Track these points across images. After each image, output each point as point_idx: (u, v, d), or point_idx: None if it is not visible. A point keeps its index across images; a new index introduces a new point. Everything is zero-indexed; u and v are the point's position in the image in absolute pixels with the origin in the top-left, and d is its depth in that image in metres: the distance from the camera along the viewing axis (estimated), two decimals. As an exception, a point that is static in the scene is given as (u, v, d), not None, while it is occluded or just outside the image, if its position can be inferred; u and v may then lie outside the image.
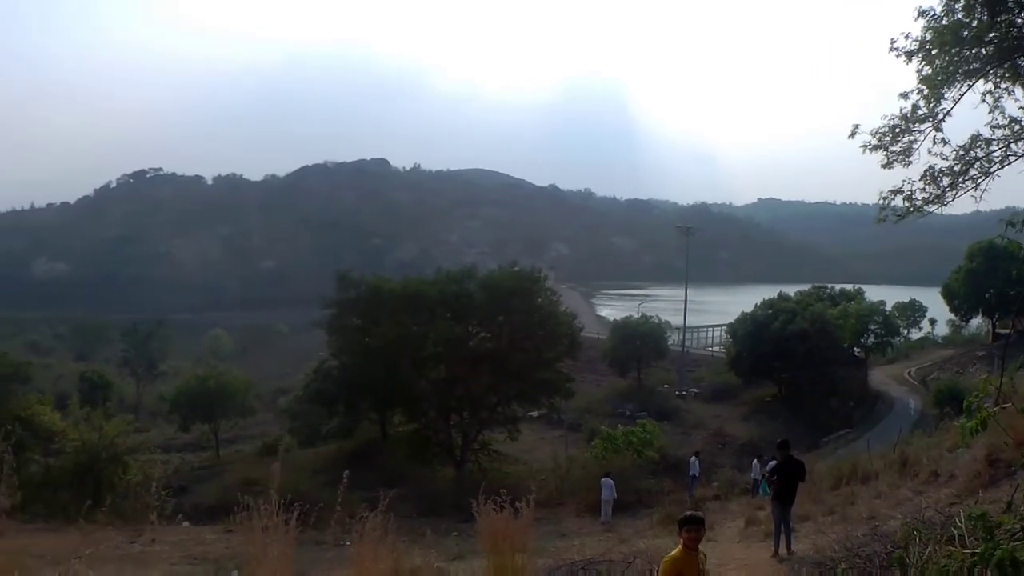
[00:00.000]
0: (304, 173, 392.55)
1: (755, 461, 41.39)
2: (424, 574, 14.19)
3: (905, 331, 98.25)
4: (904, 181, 19.90)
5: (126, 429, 50.53)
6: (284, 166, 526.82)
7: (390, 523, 11.46)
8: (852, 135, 20.20)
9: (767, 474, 23.21)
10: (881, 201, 20.38)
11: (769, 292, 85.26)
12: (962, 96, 18.97)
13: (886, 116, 19.79)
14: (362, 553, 10.79)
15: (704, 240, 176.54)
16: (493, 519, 12.63)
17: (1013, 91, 18.78)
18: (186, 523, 29.13)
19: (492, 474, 47.50)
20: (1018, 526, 8.38)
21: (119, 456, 47.04)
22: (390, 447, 56.71)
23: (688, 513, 9.87)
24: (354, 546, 10.71)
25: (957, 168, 19.32)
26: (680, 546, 9.28)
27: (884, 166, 20.27)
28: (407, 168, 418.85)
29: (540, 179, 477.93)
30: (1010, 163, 19.07)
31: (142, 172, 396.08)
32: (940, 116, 19.24)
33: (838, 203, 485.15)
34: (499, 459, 53.66)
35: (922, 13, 18.57)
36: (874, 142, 19.94)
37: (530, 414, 61.70)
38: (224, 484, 48.26)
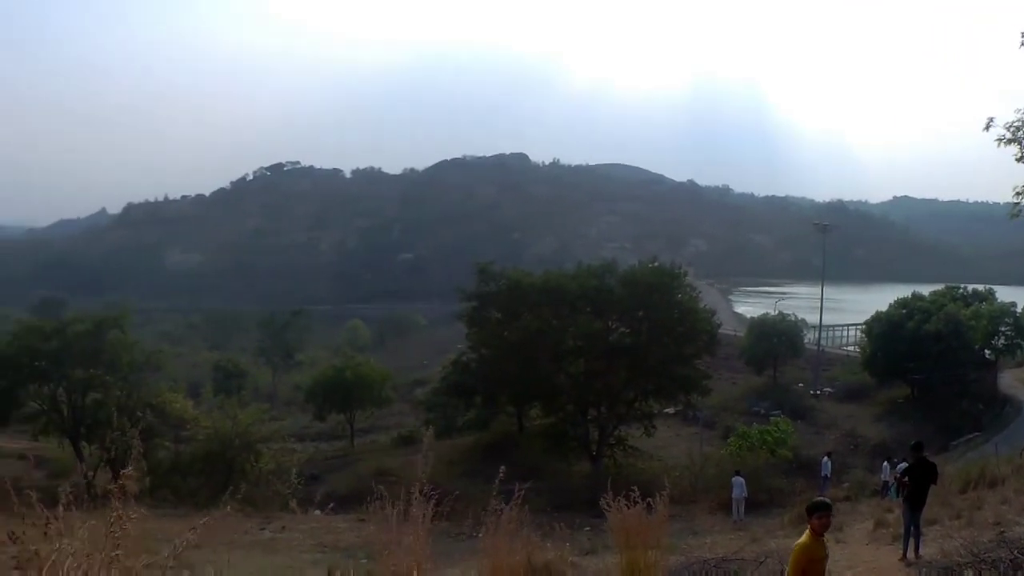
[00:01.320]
0: (443, 167, 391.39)
1: (885, 463, 40.74)
2: (556, 568, 14.26)
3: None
4: (1040, 176, 19.39)
5: (260, 417, 51.31)
6: (423, 160, 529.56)
7: (525, 516, 11.43)
8: (987, 128, 19.80)
9: (898, 476, 22.88)
10: (1015, 197, 19.94)
11: (903, 291, 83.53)
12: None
13: (1020, 109, 19.34)
14: (496, 545, 10.77)
15: (840, 238, 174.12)
16: (626, 515, 12.55)
17: None
18: (318, 512, 29.48)
19: (627, 470, 47.28)
20: None
21: (252, 444, 47.77)
22: (526, 440, 56.97)
23: (818, 499, 9.99)
24: (488, 538, 10.76)
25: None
26: (808, 532, 9.45)
27: (1019, 160, 19.80)
28: (546, 163, 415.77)
29: (678, 174, 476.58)
30: None
31: (279, 165, 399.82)
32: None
33: (970, 201, 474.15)
34: (634, 455, 53.09)
35: None
36: (1008, 136, 19.49)
37: (666, 410, 61.36)
38: (358, 474, 48.82)
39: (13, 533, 5.00)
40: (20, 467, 48.03)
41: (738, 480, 38.47)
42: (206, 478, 45.58)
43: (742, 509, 37.94)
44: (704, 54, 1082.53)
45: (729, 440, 53.35)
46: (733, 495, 38.23)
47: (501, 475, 10.91)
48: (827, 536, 9.73)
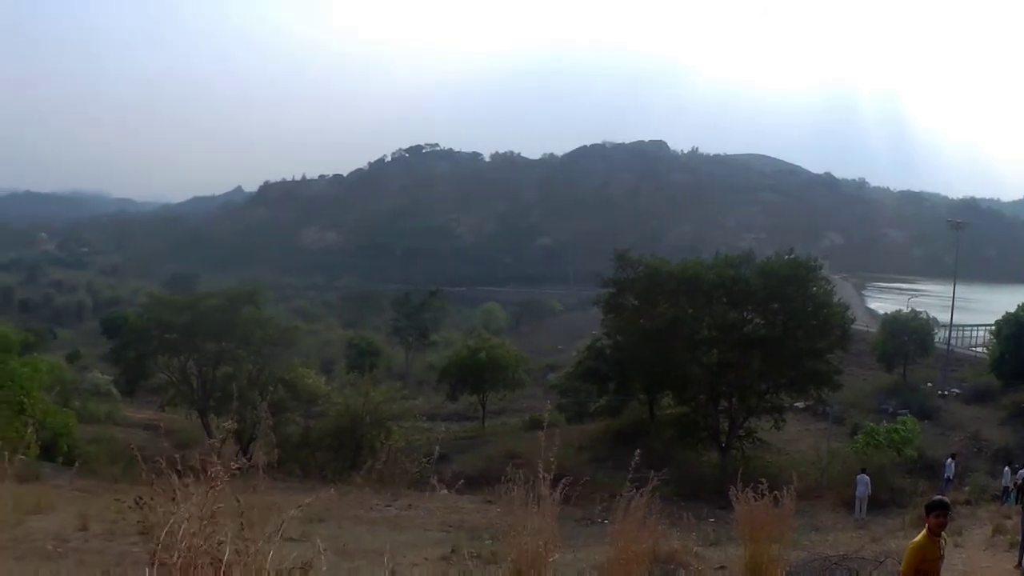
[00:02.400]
0: (582, 153, 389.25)
1: (1006, 468, 40.31)
2: (681, 557, 14.31)
3: None
4: None
5: (392, 396, 51.76)
6: (562, 145, 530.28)
7: (654, 505, 11.38)
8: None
9: (1018, 482, 22.48)
10: None
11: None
12: None
13: None
14: (623, 532, 10.86)
15: (972, 236, 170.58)
16: (752, 507, 12.64)
17: None
18: (444, 491, 29.71)
19: (754, 462, 46.74)
20: None
21: (383, 421, 48.30)
22: (657, 429, 56.58)
23: (936, 498, 9.94)
24: (618, 524, 10.81)
25: None
26: (925, 530, 9.43)
27: None
28: (685, 151, 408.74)
29: (815, 166, 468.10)
30: None
31: (418, 147, 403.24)
32: None
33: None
34: (762, 448, 52.77)
35: None
36: None
37: (796, 404, 60.69)
38: (487, 455, 49.16)
39: (140, 498, 5.18)
40: (145, 437, 49.23)
41: (863, 478, 38.28)
42: (334, 453, 46.26)
43: (864, 507, 37.72)
44: (842, 48, 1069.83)
45: (856, 437, 52.67)
46: (857, 493, 38.05)
47: (636, 460, 10.96)
48: (946, 539, 9.67)
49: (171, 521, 5.20)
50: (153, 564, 5.21)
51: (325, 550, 7.05)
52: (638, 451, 11.33)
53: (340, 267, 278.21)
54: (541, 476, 9.62)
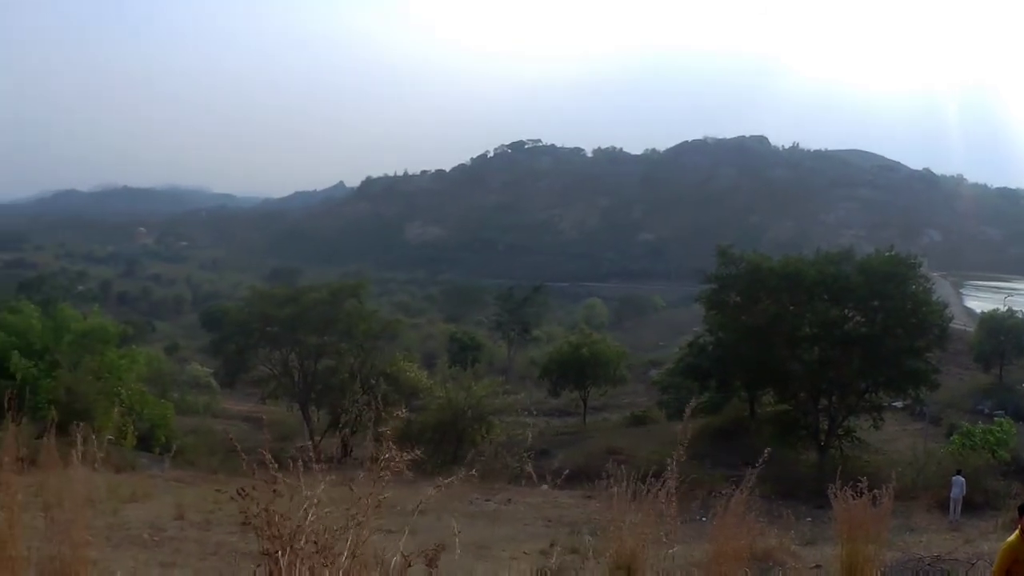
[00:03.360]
0: (684, 148, 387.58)
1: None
2: (777, 555, 14.28)
3: None
4: None
5: (494, 390, 51.83)
6: (663, 141, 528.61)
7: (754, 502, 11.38)
8: None
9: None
10: None
11: None
12: None
13: None
14: (722, 529, 10.82)
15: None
16: (850, 506, 12.43)
17: None
18: (545, 486, 29.71)
19: (852, 461, 46.28)
20: None
21: (484, 416, 48.47)
22: (756, 426, 56.52)
23: None
24: (718, 520, 10.80)
25: None
26: (1017, 532, 9.34)
27: None
28: (786, 146, 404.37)
29: (914, 162, 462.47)
30: None
31: (520, 143, 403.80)
32: None
33: None
34: (860, 447, 52.13)
35: None
36: None
37: (894, 404, 59.64)
38: (587, 451, 49.09)
39: (242, 490, 5.25)
40: (245, 429, 49.82)
41: (958, 479, 37.72)
42: (435, 447, 46.43)
43: (959, 509, 37.13)
44: (942, 47, 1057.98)
45: (952, 438, 51.84)
46: (952, 494, 37.45)
47: (745, 462, 10.94)
48: None
49: (276, 512, 5.27)
50: (266, 555, 5.28)
51: (459, 532, 7.12)
52: (716, 450, 11.36)
53: (443, 262, 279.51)
54: (636, 473, 9.66)
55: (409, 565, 5.71)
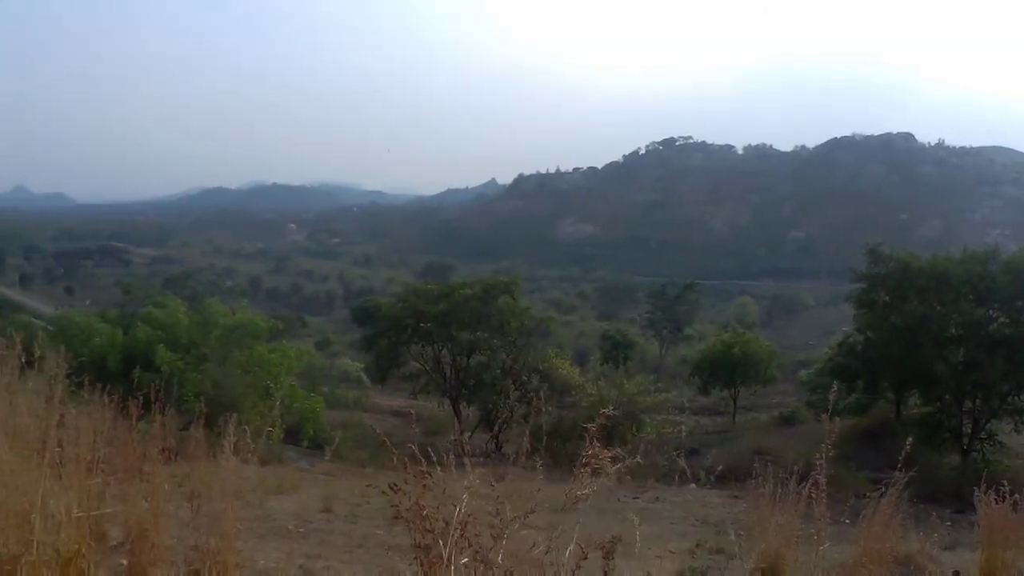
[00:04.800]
0: (832, 145, 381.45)
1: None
2: (918, 560, 14.08)
3: None
4: None
5: (646, 388, 51.72)
6: (813, 138, 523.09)
7: (901, 506, 11.20)
8: None
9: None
10: None
11: None
12: None
13: None
14: (869, 532, 10.71)
15: None
16: (991, 511, 12.03)
17: None
18: (693, 485, 29.53)
19: (993, 465, 45.42)
20: None
21: (635, 413, 48.44)
22: (902, 429, 55.32)
23: None
24: (865, 523, 10.69)
25: None
26: None
27: None
28: (931, 143, 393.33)
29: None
30: None
31: (671, 140, 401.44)
32: None
33: None
34: (1001, 451, 51.09)
35: None
36: None
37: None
38: (736, 450, 48.64)
39: (395, 484, 5.31)
40: (395, 423, 50.35)
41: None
42: (584, 444, 46.18)
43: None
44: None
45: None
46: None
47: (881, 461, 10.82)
48: None
49: (427, 505, 5.31)
50: (418, 548, 5.32)
51: (640, 523, 7.15)
52: (859, 452, 11.31)
53: (595, 259, 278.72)
54: (784, 473, 9.62)
55: (585, 557, 5.73)
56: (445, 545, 5.20)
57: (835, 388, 10.54)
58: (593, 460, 5.86)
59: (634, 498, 27.90)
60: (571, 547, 5.79)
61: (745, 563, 10.89)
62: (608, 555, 5.69)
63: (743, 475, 10.65)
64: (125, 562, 6.72)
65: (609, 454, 5.99)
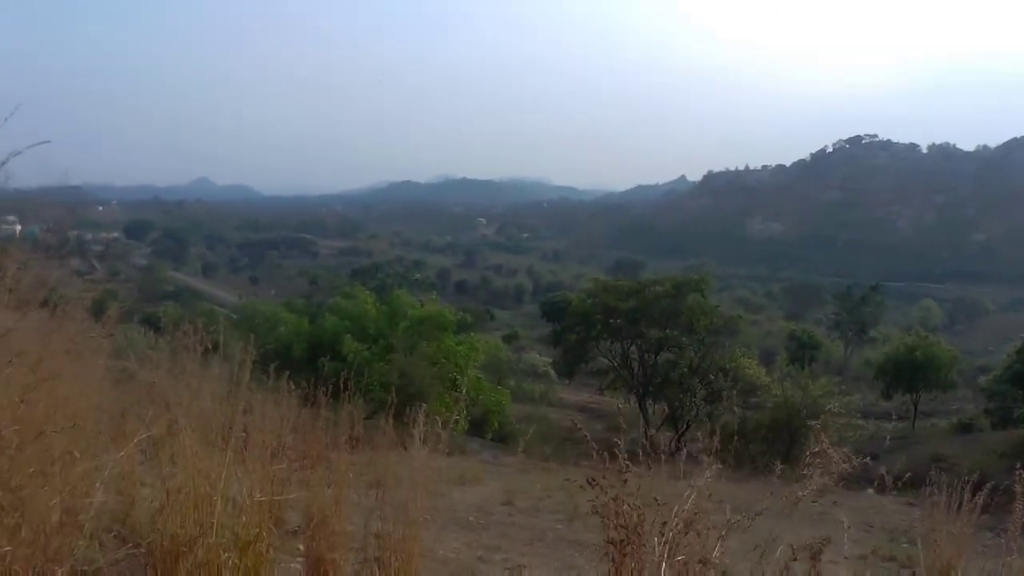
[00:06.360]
0: (1013, 145, 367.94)
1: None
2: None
3: None
4: None
5: (830, 390, 51.17)
6: (994, 136, 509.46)
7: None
8: None
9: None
10: None
11: None
12: None
13: None
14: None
15: None
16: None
17: None
18: (870, 490, 29.20)
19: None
20: None
21: (819, 416, 47.99)
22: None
23: None
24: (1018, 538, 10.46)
25: None
26: None
27: None
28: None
29: None
30: None
31: (858, 138, 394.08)
32: None
33: None
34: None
35: None
36: None
37: None
38: (913, 456, 47.97)
39: (593, 479, 5.31)
40: (580, 419, 50.34)
41: None
42: (768, 445, 45.78)
43: None
44: None
45: None
46: None
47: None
48: None
49: (624, 501, 5.29)
50: (610, 544, 5.31)
51: (849, 527, 7.11)
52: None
53: (785, 258, 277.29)
54: (960, 483, 9.44)
55: (794, 559, 5.70)
56: (659, 543, 5.20)
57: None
58: (817, 460, 5.84)
59: (813, 502, 27.61)
60: (781, 547, 5.78)
61: (915, 573, 10.71)
62: (815, 557, 5.66)
63: (920, 482, 10.39)
64: (302, 547, 6.87)
65: (835, 456, 5.96)
